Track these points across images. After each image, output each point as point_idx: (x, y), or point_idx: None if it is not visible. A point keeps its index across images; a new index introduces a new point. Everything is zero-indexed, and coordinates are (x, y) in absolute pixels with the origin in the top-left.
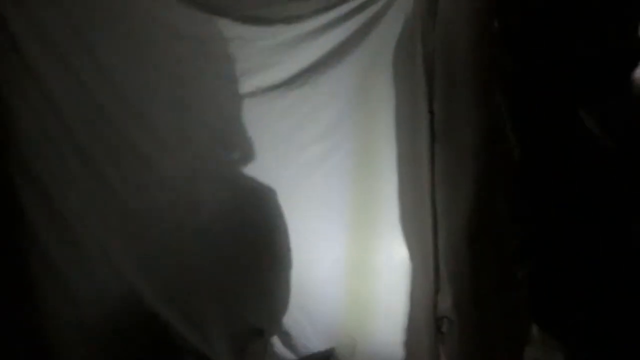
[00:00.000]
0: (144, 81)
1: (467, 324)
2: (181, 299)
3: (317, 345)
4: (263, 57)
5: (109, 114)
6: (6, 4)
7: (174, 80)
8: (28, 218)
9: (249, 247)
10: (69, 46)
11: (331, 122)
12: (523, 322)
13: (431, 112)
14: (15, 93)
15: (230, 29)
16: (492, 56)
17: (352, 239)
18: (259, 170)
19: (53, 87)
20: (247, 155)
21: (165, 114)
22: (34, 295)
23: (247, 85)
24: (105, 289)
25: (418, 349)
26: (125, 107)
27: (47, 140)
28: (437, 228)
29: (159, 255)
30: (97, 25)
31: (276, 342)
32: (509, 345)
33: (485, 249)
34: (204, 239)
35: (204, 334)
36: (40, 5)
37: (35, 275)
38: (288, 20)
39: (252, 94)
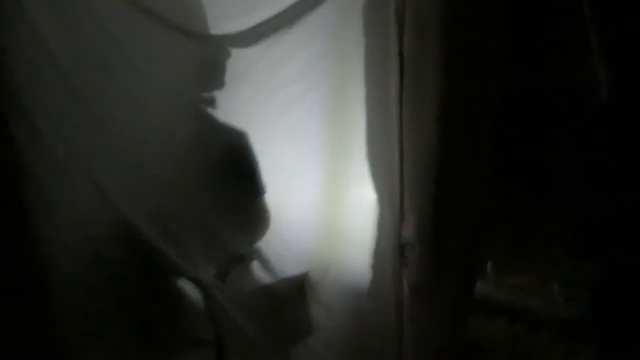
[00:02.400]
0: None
1: (426, 250)
2: (170, 226)
3: (293, 270)
4: (239, 2)
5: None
6: None
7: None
8: (19, 148)
9: (225, 182)
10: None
11: (306, 65)
12: (478, 259)
13: (401, 54)
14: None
15: None
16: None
17: (327, 175)
18: (235, 109)
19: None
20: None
21: (146, 54)
22: (26, 221)
23: (220, 29)
24: (93, 216)
25: (383, 272)
26: (112, 44)
27: (37, 73)
28: (403, 164)
29: (147, 184)
30: None
31: (256, 267)
32: (462, 276)
33: (449, 188)
34: (184, 171)
35: (192, 258)
36: None
37: (27, 202)
38: None
39: (226, 39)
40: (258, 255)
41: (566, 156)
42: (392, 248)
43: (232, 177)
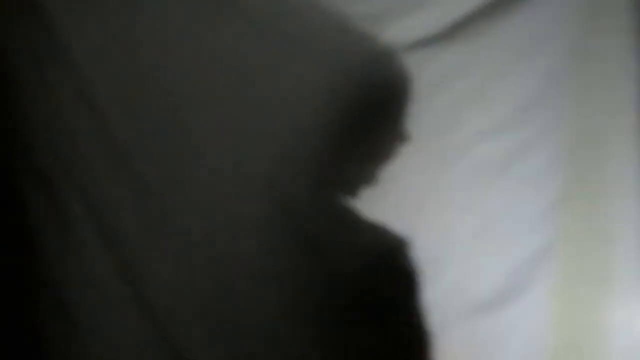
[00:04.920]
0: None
1: None
2: None
3: None
4: None
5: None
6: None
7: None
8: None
9: (364, 326)
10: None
11: (521, 101)
12: None
13: None
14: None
15: None
16: None
17: (561, 296)
18: (394, 181)
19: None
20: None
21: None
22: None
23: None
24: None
25: None
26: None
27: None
28: None
29: (225, 319)
30: None
31: None
32: None
33: None
34: (288, 308)
35: None
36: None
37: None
38: None
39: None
40: None
41: None
42: None
43: (375, 318)
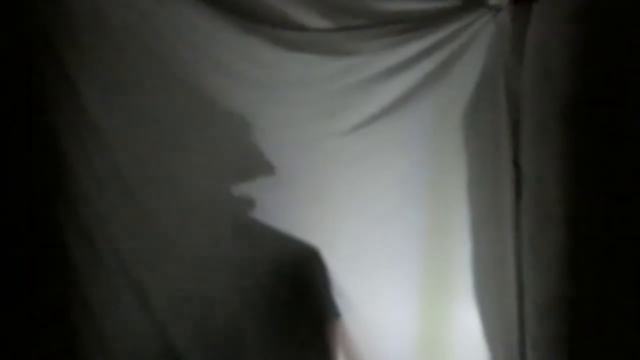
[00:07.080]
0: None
1: None
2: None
3: None
4: (330, 100)
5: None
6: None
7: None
8: (70, 258)
9: (285, 306)
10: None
11: (401, 175)
12: None
13: (516, 164)
14: (71, 137)
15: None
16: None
17: (424, 307)
18: (318, 225)
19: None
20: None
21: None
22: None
23: (307, 132)
24: (139, 342)
25: None
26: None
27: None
28: (522, 306)
29: (194, 305)
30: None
31: None
32: None
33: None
34: (235, 292)
35: None
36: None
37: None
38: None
39: (313, 142)
40: None
41: None
42: None
43: (294, 301)
